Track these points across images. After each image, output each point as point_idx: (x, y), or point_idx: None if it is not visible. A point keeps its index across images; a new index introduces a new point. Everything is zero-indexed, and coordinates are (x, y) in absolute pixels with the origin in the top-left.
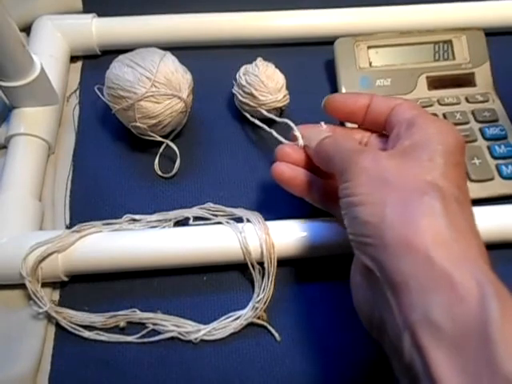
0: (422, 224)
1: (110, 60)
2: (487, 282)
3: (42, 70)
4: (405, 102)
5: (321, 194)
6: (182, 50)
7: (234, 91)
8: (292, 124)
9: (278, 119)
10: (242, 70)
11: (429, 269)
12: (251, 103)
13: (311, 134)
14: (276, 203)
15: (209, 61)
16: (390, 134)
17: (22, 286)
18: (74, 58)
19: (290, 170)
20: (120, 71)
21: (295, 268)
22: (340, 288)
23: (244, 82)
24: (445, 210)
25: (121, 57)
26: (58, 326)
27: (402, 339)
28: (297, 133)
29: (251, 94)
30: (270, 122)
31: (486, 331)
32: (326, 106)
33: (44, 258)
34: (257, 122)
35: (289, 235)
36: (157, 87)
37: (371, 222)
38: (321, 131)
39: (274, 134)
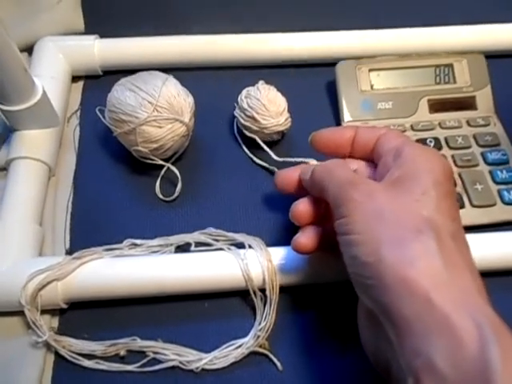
0: (420, 265)
1: (111, 80)
2: (486, 323)
3: (44, 93)
4: (390, 131)
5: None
6: (184, 71)
7: (235, 114)
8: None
9: (272, 154)
10: (244, 92)
11: (429, 312)
12: (253, 127)
13: (305, 170)
14: (278, 228)
15: (210, 82)
16: (378, 163)
17: (21, 313)
18: (75, 78)
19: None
20: (122, 95)
21: (298, 295)
22: (344, 316)
23: (246, 106)
24: (441, 249)
25: (123, 80)
26: (57, 354)
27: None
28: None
29: (253, 118)
30: (271, 144)
31: (487, 377)
32: (314, 142)
33: (43, 286)
34: (264, 146)
35: (291, 262)
36: (159, 111)
37: (369, 263)
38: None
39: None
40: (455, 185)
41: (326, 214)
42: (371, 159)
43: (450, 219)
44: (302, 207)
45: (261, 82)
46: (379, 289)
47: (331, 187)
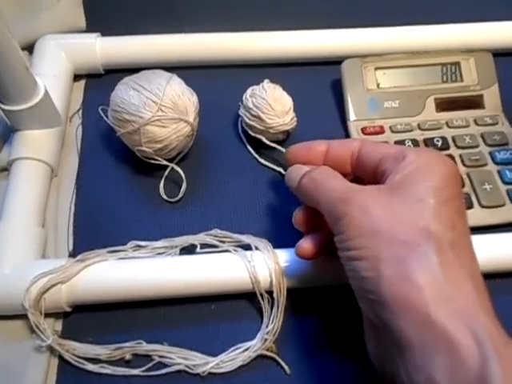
0: (418, 280)
1: (113, 79)
2: (487, 338)
3: (46, 92)
4: (368, 141)
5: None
6: (187, 69)
7: (240, 113)
8: None
9: (282, 149)
10: (249, 91)
11: (429, 328)
12: (258, 126)
13: (292, 174)
14: (285, 229)
15: (214, 80)
16: (378, 170)
17: (24, 317)
18: (76, 77)
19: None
20: (125, 94)
21: (305, 298)
22: (352, 319)
23: (251, 105)
24: (440, 262)
25: (126, 79)
26: (61, 358)
27: None
28: None
29: (258, 117)
30: (277, 144)
31: None
32: (287, 159)
33: (47, 290)
34: (271, 143)
35: (299, 264)
36: (163, 111)
37: (369, 278)
38: (301, 168)
39: None
40: (463, 186)
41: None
42: (346, 173)
43: (450, 227)
44: (300, 216)
45: (266, 81)
46: (379, 304)
47: (322, 202)
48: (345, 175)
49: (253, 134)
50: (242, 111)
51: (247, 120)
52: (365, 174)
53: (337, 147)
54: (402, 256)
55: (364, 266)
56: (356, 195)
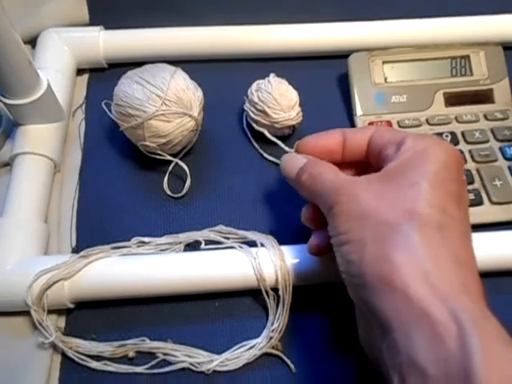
0: (397, 259)
1: (116, 73)
2: (466, 317)
3: (49, 86)
4: (381, 126)
5: None
6: (192, 63)
7: (245, 108)
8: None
9: (283, 146)
10: (254, 86)
11: (408, 307)
12: (263, 121)
13: (288, 164)
14: (289, 226)
15: (219, 74)
16: (378, 158)
17: (27, 313)
18: (79, 71)
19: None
20: (129, 88)
21: (311, 295)
22: None
23: (256, 99)
24: (423, 240)
25: (129, 73)
26: (64, 355)
27: (393, 380)
28: None
29: (264, 112)
30: (282, 139)
31: (468, 373)
32: (299, 151)
33: (50, 286)
34: (273, 138)
35: (304, 261)
36: (167, 105)
37: (353, 261)
38: (296, 158)
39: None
40: (473, 182)
41: None
42: (363, 161)
43: (439, 210)
44: (308, 212)
45: (272, 75)
46: (363, 287)
47: (318, 195)
48: (363, 164)
49: (257, 128)
50: (247, 106)
51: (252, 115)
52: (373, 160)
53: (354, 136)
54: (383, 236)
55: (349, 249)
56: (347, 184)
